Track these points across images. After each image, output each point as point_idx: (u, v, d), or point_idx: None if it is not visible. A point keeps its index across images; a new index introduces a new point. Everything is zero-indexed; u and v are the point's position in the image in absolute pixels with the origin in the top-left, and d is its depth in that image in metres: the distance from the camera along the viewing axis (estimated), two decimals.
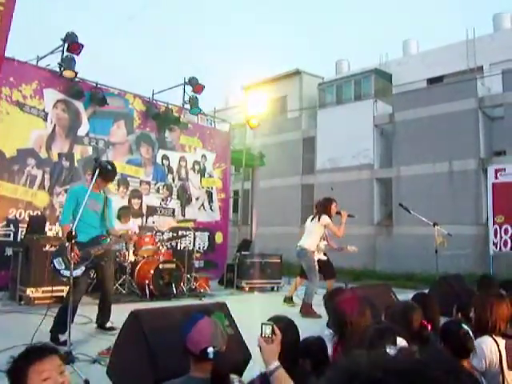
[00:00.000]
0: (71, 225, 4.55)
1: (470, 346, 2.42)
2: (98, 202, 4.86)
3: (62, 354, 2.06)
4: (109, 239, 4.99)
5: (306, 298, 6.77)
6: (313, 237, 7.00)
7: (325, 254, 7.46)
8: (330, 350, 2.73)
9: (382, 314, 2.82)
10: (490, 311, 2.74)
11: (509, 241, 9.79)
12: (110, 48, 71.47)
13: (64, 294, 6.11)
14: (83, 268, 4.57)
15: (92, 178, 4.58)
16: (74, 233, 4.02)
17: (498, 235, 9.85)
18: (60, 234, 7.25)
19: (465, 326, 2.48)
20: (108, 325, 5.04)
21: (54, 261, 4.52)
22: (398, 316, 2.55)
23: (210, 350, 2.10)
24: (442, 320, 3.09)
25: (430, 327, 2.58)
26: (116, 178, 8.98)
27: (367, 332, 2.06)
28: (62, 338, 4.23)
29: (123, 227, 7.56)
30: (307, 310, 6.60)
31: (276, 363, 1.99)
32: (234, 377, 2.14)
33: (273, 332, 2.06)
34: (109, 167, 4.90)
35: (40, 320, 4.29)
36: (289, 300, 7.56)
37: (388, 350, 1.76)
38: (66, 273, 4.44)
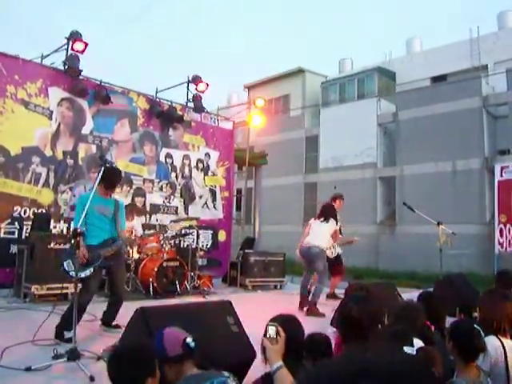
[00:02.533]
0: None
1: (482, 347, 2.41)
2: (107, 206, 4.85)
3: None
4: (119, 241, 5.00)
5: (313, 297, 6.82)
6: (326, 237, 7.07)
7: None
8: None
9: (385, 313, 2.81)
10: (495, 311, 2.74)
11: None
12: (112, 47, 71.56)
13: (69, 291, 6.17)
14: (91, 269, 4.56)
15: (96, 179, 4.58)
16: (79, 230, 4.05)
17: (504, 234, 9.77)
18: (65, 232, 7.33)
19: (477, 327, 2.47)
20: (114, 323, 5.05)
21: (64, 263, 4.52)
22: (401, 316, 2.55)
23: (189, 339, 2.14)
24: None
25: (433, 327, 2.58)
26: None
27: (384, 333, 2.07)
28: (68, 335, 4.25)
29: (127, 225, 7.60)
30: (312, 309, 6.64)
31: (279, 363, 2.01)
32: (225, 374, 2.14)
33: (277, 333, 2.08)
34: (116, 174, 4.96)
35: (45, 317, 4.31)
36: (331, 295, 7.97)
37: (406, 350, 1.78)
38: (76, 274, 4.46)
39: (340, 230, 7.76)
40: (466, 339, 2.39)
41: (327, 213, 7.16)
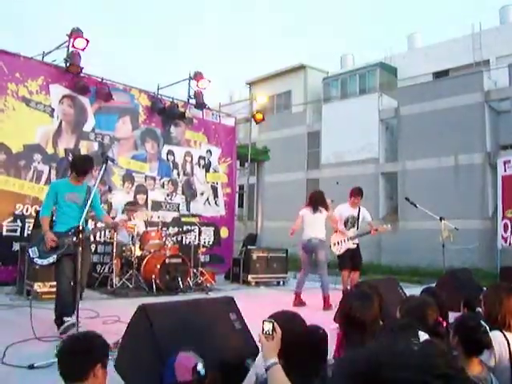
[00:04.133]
0: (50, 216, 4.81)
1: (487, 342, 2.39)
2: (79, 194, 4.85)
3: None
4: (86, 230, 4.96)
5: (326, 290, 6.88)
6: (322, 227, 7.14)
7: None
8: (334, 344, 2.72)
9: (397, 308, 2.79)
10: (499, 305, 2.72)
11: None
12: (113, 45, 71.50)
13: None
14: (55, 257, 4.59)
15: (98, 176, 4.62)
16: (80, 227, 4.06)
17: (509, 230, 9.63)
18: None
19: (483, 323, 2.46)
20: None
21: (30, 250, 4.64)
22: (413, 312, 2.53)
23: (200, 366, 2.14)
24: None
25: (445, 324, 2.56)
26: (121, 173, 9.08)
27: (389, 326, 2.06)
28: (67, 319, 4.41)
29: (129, 223, 7.62)
30: (327, 303, 6.77)
31: (273, 359, 2.00)
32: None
33: (273, 329, 2.07)
34: (86, 160, 5.05)
35: (47, 314, 4.31)
36: None
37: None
38: (39, 261, 4.61)
39: (356, 218, 7.64)
40: (472, 333, 2.37)
41: (316, 202, 7.20)
